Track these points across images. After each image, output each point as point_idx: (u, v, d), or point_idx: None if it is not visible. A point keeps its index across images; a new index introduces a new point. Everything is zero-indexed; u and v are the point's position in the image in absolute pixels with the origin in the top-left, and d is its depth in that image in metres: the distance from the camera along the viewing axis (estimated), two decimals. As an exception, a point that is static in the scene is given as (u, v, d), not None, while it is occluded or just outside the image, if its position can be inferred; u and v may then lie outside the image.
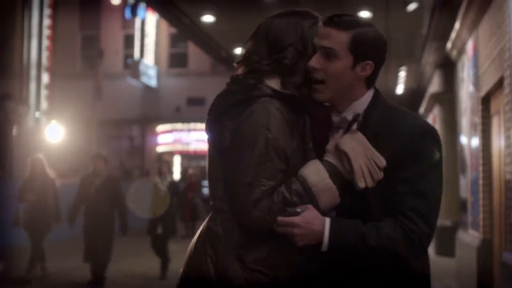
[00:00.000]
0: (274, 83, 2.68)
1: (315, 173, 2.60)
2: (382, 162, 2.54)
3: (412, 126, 2.55)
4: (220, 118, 2.70)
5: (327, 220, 2.50)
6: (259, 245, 2.64)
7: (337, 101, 2.66)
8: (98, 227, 9.77)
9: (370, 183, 2.55)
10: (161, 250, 11.19)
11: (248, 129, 2.63)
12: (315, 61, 2.60)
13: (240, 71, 2.78)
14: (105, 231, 9.84)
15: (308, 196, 2.57)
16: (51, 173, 10.93)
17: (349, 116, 2.60)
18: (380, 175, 2.55)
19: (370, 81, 2.65)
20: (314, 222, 2.49)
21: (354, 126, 2.61)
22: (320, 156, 2.66)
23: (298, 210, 2.51)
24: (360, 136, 2.60)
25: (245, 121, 2.64)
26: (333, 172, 2.61)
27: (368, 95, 2.65)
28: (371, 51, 2.58)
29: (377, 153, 2.57)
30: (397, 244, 2.47)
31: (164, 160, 12.77)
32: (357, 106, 2.63)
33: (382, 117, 2.59)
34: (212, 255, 2.67)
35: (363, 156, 2.58)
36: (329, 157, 2.63)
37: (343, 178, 2.62)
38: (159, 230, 11.12)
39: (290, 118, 2.64)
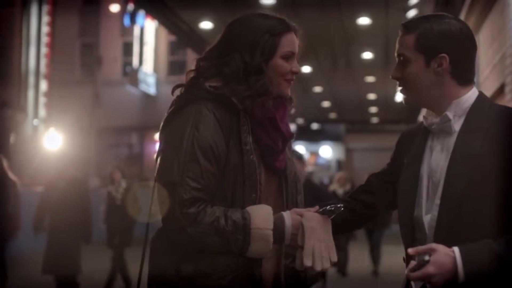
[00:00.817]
0: (211, 85, 2.62)
1: (262, 217, 2.51)
2: (335, 257, 2.55)
3: None
4: (163, 125, 2.66)
5: (457, 253, 2.32)
6: (198, 257, 2.56)
7: (431, 103, 2.59)
8: (64, 235, 8.72)
9: (318, 267, 2.51)
10: (115, 261, 10.36)
11: (176, 129, 2.57)
12: (393, 71, 2.61)
13: (191, 74, 2.74)
14: (72, 239, 8.85)
15: (243, 234, 2.48)
16: (13, 177, 10.07)
17: (451, 115, 2.51)
18: (329, 265, 2.52)
19: (459, 76, 2.55)
20: (446, 262, 2.31)
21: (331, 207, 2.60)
22: (264, 156, 2.64)
23: (427, 258, 2.34)
24: (328, 224, 2.58)
25: (175, 122, 2.59)
26: (279, 229, 2.54)
27: (471, 95, 2.55)
28: (441, 44, 2.51)
29: (334, 248, 2.57)
30: None
31: (117, 165, 11.74)
32: (458, 105, 2.53)
33: (488, 114, 2.48)
34: (153, 263, 2.64)
35: (320, 240, 2.53)
36: (287, 215, 2.58)
37: (282, 240, 2.56)
38: (116, 241, 10.34)
39: (224, 119, 2.58)
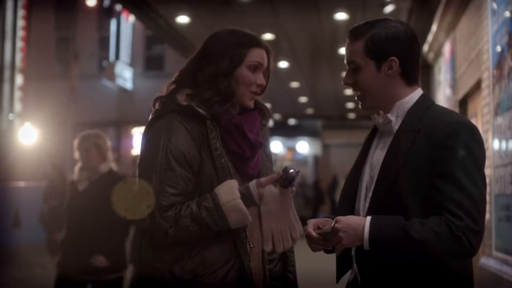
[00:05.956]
0: (182, 96, 2.78)
1: (227, 192, 2.65)
2: (297, 234, 2.64)
3: (450, 122, 2.52)
4: (142, 138, 2.84)
5: (367, 218, 2.48)
6: (189, 256, 2.68)
7: (382, 105, 2.70)
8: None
9: (279, 249, 2.62)
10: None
11: (151, 142, 2.75)
12: (345, 78, 2.71)
13: (172, 86, 2.88)
14: None
15: (217, 213, 2.62)
16: None
17: (392, 117, 2.64)
18: (290, 244, 2.62)
19: (407, 77, 2.66)
20: (354, 223, 2.47)
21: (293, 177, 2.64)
22: (235, 162, 2.76)
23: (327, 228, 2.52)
24: (287, 199, 2.66)
25: (150, 135, 2.77)
26: (247, 195, 2.66)
27: (413, 96, 2.66)
28: (390, 47, 2.61)
29: (296, 224, 2.65)
30: (442, 238, 2.39)
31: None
32: (400, 106, 2.65)
33: (424, 115, 2.59)
34: (143, 265, 2.77)
35: (278, 222, 2.63)
36: (251, 185, 2.69)
37: (254, 203, 2.68)
38: None
39: (193, 129, 2.72)
